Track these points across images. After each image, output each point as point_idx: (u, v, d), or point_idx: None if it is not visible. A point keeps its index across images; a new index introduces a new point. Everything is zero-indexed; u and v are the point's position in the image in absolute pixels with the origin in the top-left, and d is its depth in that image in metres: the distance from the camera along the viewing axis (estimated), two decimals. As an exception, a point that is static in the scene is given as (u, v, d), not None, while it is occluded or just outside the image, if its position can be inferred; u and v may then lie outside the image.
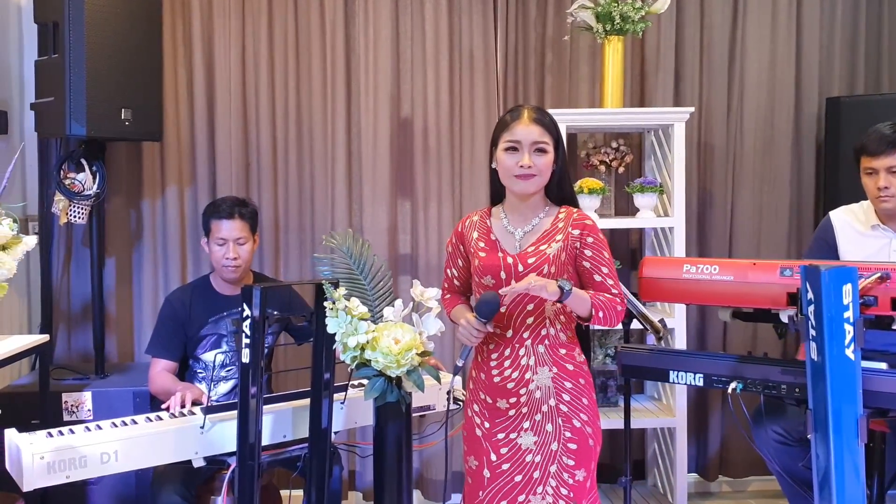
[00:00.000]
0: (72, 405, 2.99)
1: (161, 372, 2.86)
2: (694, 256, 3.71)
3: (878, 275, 1.97)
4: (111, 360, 3.51)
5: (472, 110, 3.63)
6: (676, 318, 3.27)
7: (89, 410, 2.99)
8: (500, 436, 2.16)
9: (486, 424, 2.19)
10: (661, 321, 2.73)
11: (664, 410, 3.41)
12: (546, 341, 2.15)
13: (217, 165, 3.58)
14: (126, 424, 2.32)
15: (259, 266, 3.61)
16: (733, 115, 3.73)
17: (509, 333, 2.16)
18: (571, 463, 2.12)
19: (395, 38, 3.61)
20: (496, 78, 3.64)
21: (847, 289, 1.89)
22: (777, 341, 3.73)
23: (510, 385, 2.15)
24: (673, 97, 3.68)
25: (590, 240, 2.13)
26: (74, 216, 3.14)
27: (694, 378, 2.29)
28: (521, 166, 2.10)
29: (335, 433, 2.57)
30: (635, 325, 2.72)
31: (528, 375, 2.14)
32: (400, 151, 3.64)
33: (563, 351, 2.16)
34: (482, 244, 2.21)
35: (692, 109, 3.32)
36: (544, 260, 2.11)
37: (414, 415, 2.59)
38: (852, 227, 2.72)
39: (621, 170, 3.50)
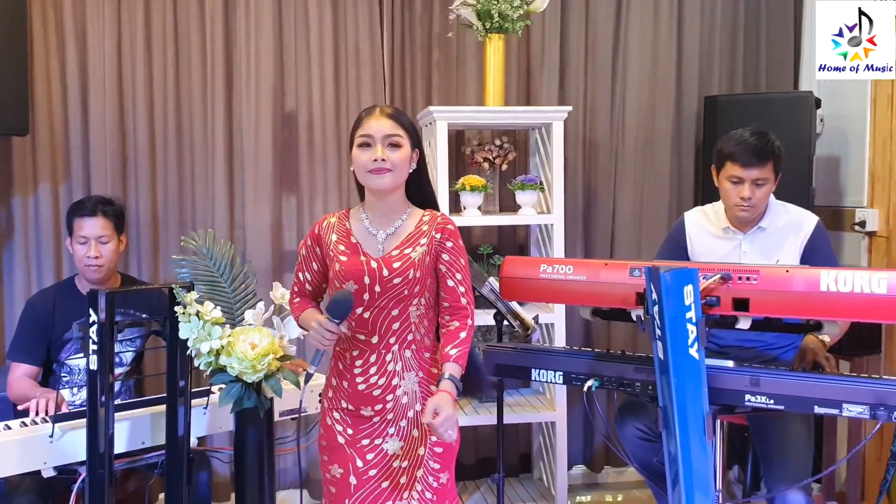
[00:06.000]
0: (-72, 413, 2.84)
1: (20, 377, 2.75)
2: (579, 254, 3.77)
3: (720, 276, 2.02)
4: (-22, 364, 3.36)
5: (358, 105, 3.58)
6: (556, 314, 3.31)
7: (-53, 418, 2.85)
8: (365, 442, 2.10)
9: (350, 431, 2.12)
10: (536, 318, 2.75)
11: (546, 405, 3.45)
12: (413, 346, 2.11)
13: (92, 161, 3.45)
14: (-30, 435, 2.22)
15: (137, 266, 3.51)
16: (616, 113, 3.79)
17: (375, 339, 2.08)
18: (437, 466, 2.11)
19: (279, 31, 3.54)
20: (383, 74, 3.62)
21: (688, 290, 1.93)
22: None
23: (376, 392, 2.09)
24: (558, 95, 3.71)
25: (449, 244, 2.10)
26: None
27: (554, 376, 2.32)
28: (375, 160, 2.04)
29: (199, 438, 2.51)
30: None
31: (395, 381, 2.09)
32: (284, 146, 3.58)
33: (427, 355, 2.14)
34: (342, 247, 2.12)
35: (570, 108, 3.36)
36: (410, 264, 2.06)
37: (284, 418, 2.56)
38: (705, 229, 2.78)
39: (504, 167, 3.51)
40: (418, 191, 2.18)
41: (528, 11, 3.26)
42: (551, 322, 3.31)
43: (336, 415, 2.15)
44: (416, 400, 2.12)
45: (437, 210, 2.20)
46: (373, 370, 2.10)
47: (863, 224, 3.47)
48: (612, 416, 2.79)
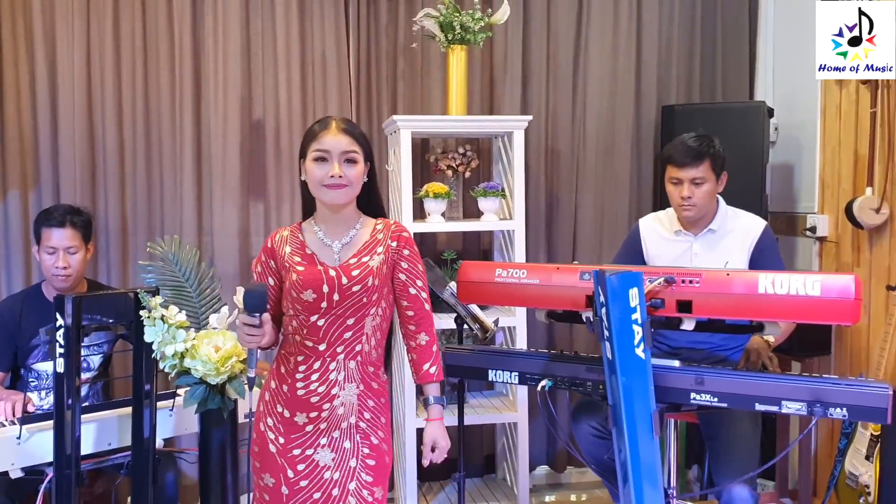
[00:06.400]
0: None
1: None
2: (542, 258, 3.87)
3: (664, 279, 2.11)
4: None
5: (325, 113, 3.65)
6: (517, 317, 3.39)
7: (-87, 423, 2.88)
8: (296, 452, 2.10)
9: (281, 440, 2.11)
10: (496, 321, 2.83)
11: (509, 406, 3.54)
12: (359, 357, 2.11)
13: (61, 167, 3.49)
14: (-63, 438, 2.27)
15: (106, 272, 3.55)
16: (577, 122, 3.90)
17: (322, 347, 2.08)
18: (370, 480, 2.13)
19: (246, 40, 3.60)
20: (349, 82, 3.69)
21: (633, 292, 2.02)
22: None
23: (314, 399, 2.09)
24: (520, 104, 3.81)
25: (406, 252, 2.15)
26: None
27: (510, 376, 2.40)
28: (332, 176, 2.05)
29: (165, 440, 2.57)
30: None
31: (334, 391, 2.09)
32: (252, 153, 3.64)
33: (371, 369, 2.15)
34: (297, 258, 2.11)
35: (530, 117, 3.46)
36: (368, 272, 2.08)
37: (248, 420, 2.62)
38: (658, 233, 2.90)
39: (467, 174, 3.60)
40: (369, 201, 2.21)
41: (489, 23, 3.35)
42: (513, 325, 3.40)
43: (269, 421, 2.13)
44: (351, 412, 2.11)
45: (387, 218, 2.25)
46: (314, 376, 2.10)
47: (813, 229, 3.59)
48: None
